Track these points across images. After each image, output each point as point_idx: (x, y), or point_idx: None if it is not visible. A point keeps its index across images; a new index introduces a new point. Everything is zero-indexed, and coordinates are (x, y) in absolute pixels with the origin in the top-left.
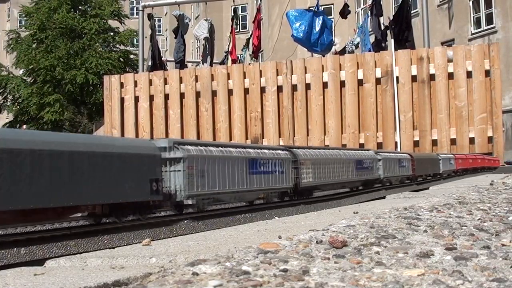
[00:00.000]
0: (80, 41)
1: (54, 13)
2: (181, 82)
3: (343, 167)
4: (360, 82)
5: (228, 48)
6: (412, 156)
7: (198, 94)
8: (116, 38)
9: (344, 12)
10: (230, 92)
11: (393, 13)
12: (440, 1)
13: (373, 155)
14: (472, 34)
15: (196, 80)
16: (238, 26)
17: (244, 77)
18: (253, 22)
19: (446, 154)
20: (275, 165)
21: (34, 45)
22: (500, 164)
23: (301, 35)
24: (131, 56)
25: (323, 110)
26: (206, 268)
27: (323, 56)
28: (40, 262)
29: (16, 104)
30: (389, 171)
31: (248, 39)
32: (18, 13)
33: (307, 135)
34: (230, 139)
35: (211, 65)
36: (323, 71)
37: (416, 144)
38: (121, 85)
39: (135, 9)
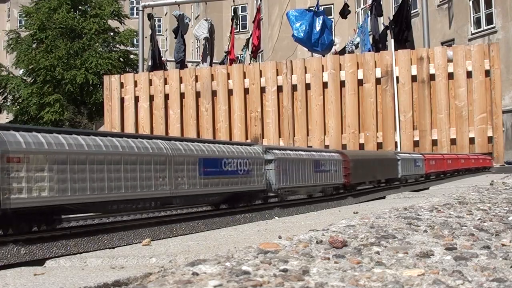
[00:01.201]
0: (80, 41)
1: (54, 13)
2: (181, 82)
3: (164, 170)
4: (360, 82)
5: (228, 48)
6: (345, 156)
7: (198, 94)
8: (116, 38)
9: (344, 12)
10: (230, 92)
11: (393, 13)
12: (440, 1)
13: (255, 154)
14: (472, 34)
15: (196, 80)
16: (238, 26)
17: (244, 77)
18: (253, 22)
19: (410, 154)
20: None
21: (34, 45)
22: (499, 163)
23: (302, 35)
24: (131, 56)
25: (323, 110)
26: (206, 268)
27: (323, 56)
28: (40, 262)
29: (16, 104)
30: (292, 179)
31: (248, 39)
32: (18, 13)
33: (307, 135)
34: (230, 139)
35: (211, 65)
36: (323, 71)
37: (416, 144)
38: (121, 85)
39: (135, 9)
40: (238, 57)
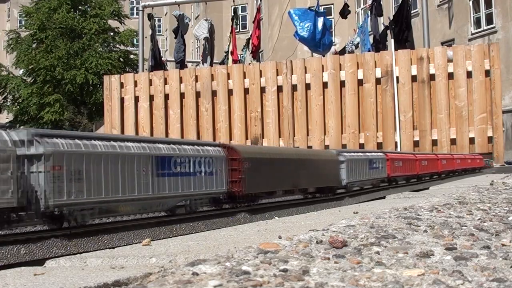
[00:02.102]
0: (80, 41)
1: (54, 13)
2: (181, 82)
3: None
4: (360, 82)
5: (228, 48)
6: (234, 153)
7: (198, 94)
8: (116, 38)
9: (344, 12)
10: (230, 92)
11: (393, 13)
12: (440, 1)
13: None
14: (472, 34)
15: (196, 80)
16: (238, 26)
17: (244, 77)
18: (253, 22)
19: (364, 153)
20: None
21: (34, 45)
22: (499, 163)
23: (307, 34)
24: (131, 56)
25: (323, 110)
26: (206, 268)
27: (323, 56)
28: (40, 262)
29: (16, 104)
30: (98, 188)
31: (248, 39)
32: (18, 13)
33: (307, 135)
34: (230, 139)
35: (211, 65)
36: (323, 71)
37: (416, 144)
38: (121, 85)
39: (135, 9)
40: (238, 56)
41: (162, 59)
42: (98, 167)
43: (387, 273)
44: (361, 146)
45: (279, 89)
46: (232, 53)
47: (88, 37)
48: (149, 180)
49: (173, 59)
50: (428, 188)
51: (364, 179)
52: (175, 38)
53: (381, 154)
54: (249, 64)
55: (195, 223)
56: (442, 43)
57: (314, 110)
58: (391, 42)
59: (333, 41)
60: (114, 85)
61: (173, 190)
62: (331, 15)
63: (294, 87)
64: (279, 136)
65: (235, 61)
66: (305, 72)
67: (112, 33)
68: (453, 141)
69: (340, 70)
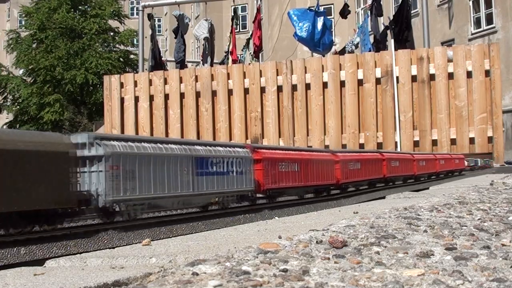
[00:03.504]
0: (80, 41)
1: (54, 13)
2: (181, 82)
3: None
4: (360, 82)
5: (228, 48)
6: None
7: (198, 94)
8: (116, 38)
9: (344, 12)
10: (230, 92)
11: (393, 13)
12: (440, 1)
13: None
14: (472, 34)
15: (196, 80)
16: (238, 26)
17: (244, 77)
18: (253, 22)
19: (182, 145)
20: None
21: (34, 45)
22: (499, 163)
23: (305, 34)
24: (131, 56)
25: (323, 110)
26: (206, 268)
27: (323, 56)
28: (40, 262)
29: (16, 104)
30: None
31: (248, 39)
32: (18, 13)
33: (307, 135)
34: (230, 139)
35: (211, 65)
36: (323, 71)
37: (416, 144)
38: (121, 85)
39: (135, 9)
40: (238, 57)
41: (162, 59)
42: None
43: (387, 273)
44: (361, 146)
45: (279, 89)
46: (231, 53)
47: (88, 37)
48: None
49: (173, 59)
50: (428, 188)
51: (176, 193)
52: (175, 38)
53: (241, 149)
54: (249, 64)
55: (195, 223)
56: (442, 43)
57: (314, 110)
58: (391, 42)
59: (333, 41)
60: (114, 85)
61: None
62: (331, 15)
63: (294, 87)
64: (279, 136)
65: (234, 61)
66: (305, 72)
67: (112, 33)
68: (453, 141)
69: (340, 70)
